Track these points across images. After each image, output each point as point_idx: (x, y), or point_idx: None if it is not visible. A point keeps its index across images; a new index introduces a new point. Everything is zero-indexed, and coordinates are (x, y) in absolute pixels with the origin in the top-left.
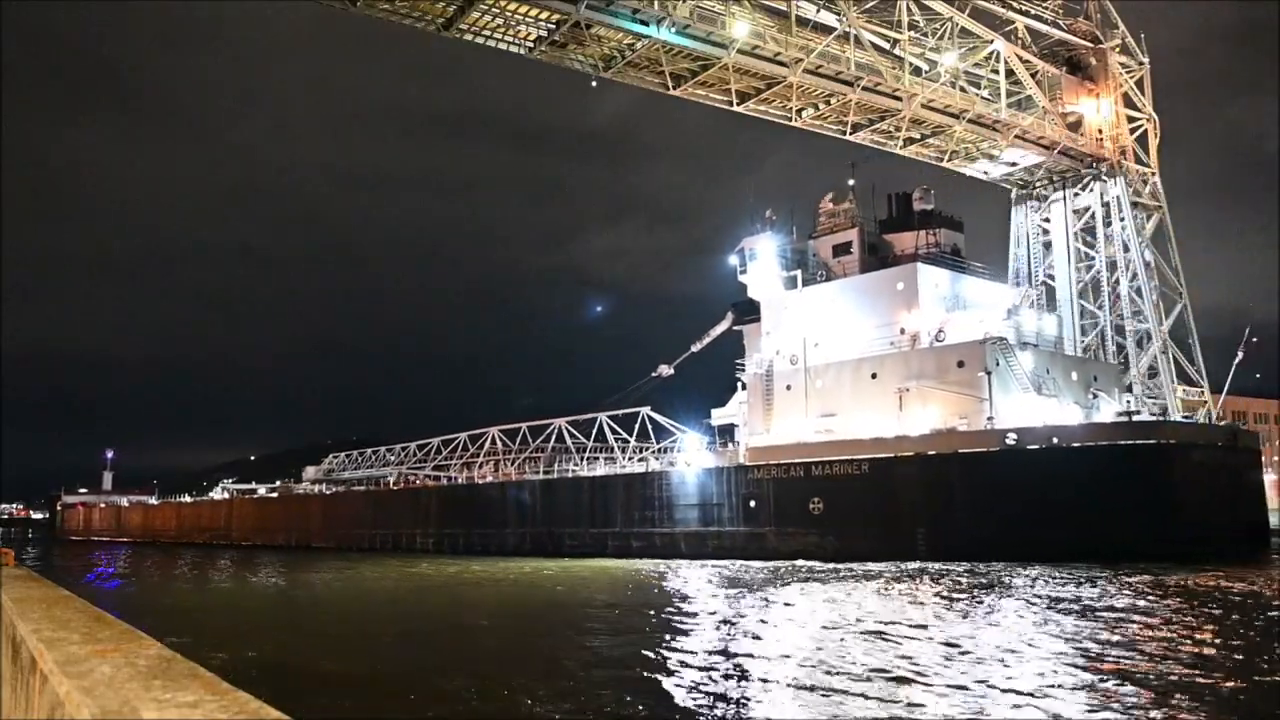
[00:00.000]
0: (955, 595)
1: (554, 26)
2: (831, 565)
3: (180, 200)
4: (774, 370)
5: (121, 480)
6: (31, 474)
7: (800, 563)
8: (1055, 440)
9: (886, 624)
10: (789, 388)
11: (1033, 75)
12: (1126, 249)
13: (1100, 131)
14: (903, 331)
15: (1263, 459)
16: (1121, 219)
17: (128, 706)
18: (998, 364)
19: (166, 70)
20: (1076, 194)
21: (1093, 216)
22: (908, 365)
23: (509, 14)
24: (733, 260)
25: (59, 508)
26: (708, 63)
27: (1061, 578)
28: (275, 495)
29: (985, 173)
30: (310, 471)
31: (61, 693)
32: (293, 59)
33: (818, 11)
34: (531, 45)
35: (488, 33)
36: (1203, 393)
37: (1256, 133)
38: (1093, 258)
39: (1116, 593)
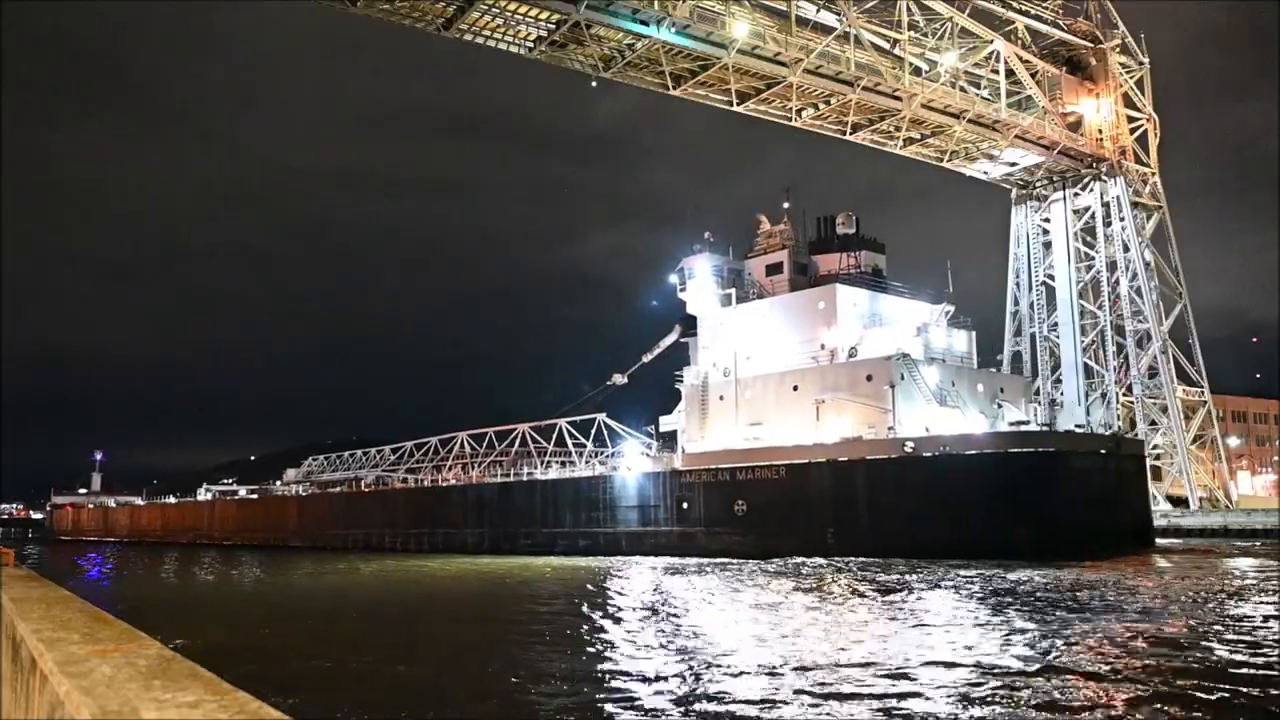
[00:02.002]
0: (830, 587)
1: (554, 27)
2: (749, 561)
3: (180, 200)
4: (709, 382)
5: (122, 480)
6: (33, 474)
7: (723, 560)
8: (945, 449)
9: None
10: (721, 398)
11: (1033, 75)
12: (1126, 249)
13: (1100, 131)
14: (823, 347)
15: (1146, 465)
16: (1121, 219)
17: (128, 706)
18: (902, 378)
19: (171, 71)
20: (1076, 194)
21: (1093, 216)
22: (824, 379)
23: (509, 14)
24: (673, 279)
25: (48, 508)
26: (708, 63)
27: (946, 574)
28: (255, 496)
29: (985, 173)
30: (290, 473)
31: (61, 693)
32: (298, 61)
33: (818, 11)
34: (531, 45)
35: (488, 33)
36: (1203, 392)
37: (1256, 132)
38: (1093, 258)
39: (963, 583)
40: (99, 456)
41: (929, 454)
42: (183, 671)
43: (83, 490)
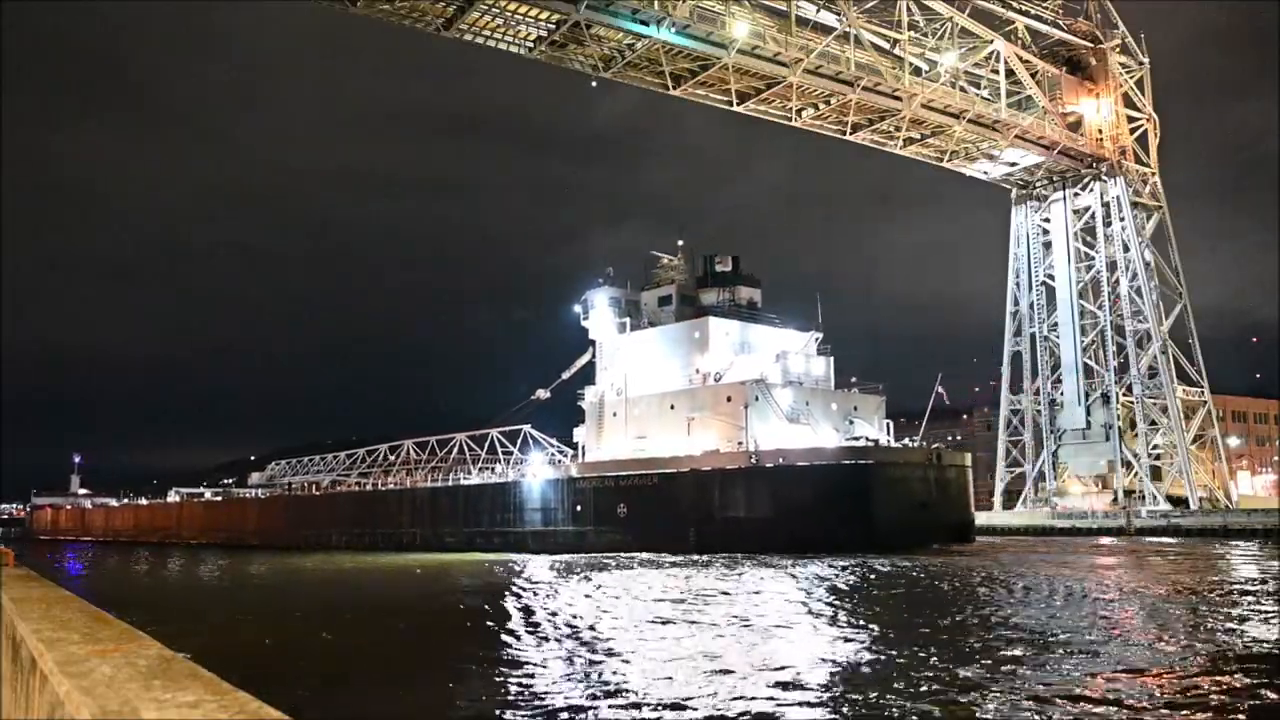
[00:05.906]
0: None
1: (554, 27)
2: (625, 555)
3: (180, 200)
4: (605, 400)
5: (104, 481)
6: (33, 474)
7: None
8: (783, 460)
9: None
10: (615, 414)
11: (1033, 75)
12: (1126, 249)
13: (1100, 131)
14: (697, 371)
15: (970, 474)
16: (1121, 219)
17: (128, 706)
18: (756, 399)
19: (171, 71)
20: (1076, 194)
21: (1093, 216)
22: (694, 399)
23: (509, 14)
24: (577, 309)
25: (29, 509)
26: (707, 63)
27: (776, 565)
28: (219, 499)
29: (985, 173)
30: (255, 477)
31: (61, 693)
32: (298, 61)
33: (818, 11)
34: (531, 45)
35: (488, 33)
36: (1203, 392)
37: (1257, 132)
38: (1093, 258)
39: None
40: (78, 459)
41: (770, 465)
42: (183, 671)
43: (82, 491)
